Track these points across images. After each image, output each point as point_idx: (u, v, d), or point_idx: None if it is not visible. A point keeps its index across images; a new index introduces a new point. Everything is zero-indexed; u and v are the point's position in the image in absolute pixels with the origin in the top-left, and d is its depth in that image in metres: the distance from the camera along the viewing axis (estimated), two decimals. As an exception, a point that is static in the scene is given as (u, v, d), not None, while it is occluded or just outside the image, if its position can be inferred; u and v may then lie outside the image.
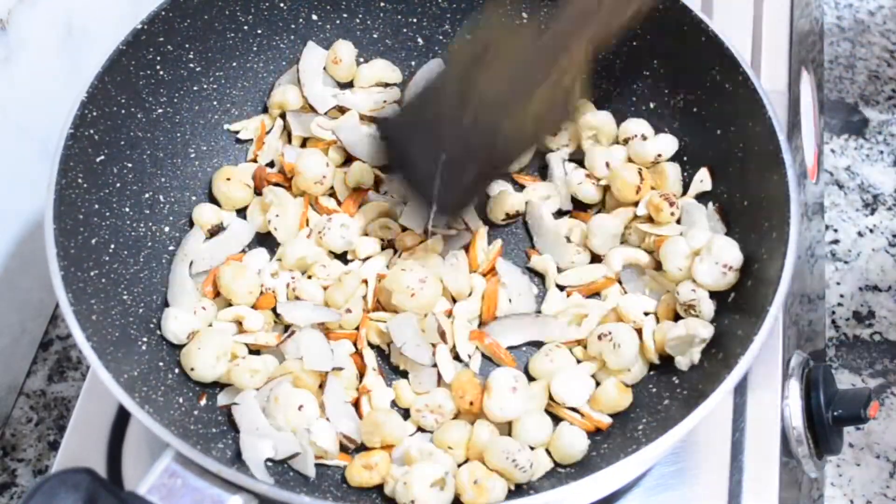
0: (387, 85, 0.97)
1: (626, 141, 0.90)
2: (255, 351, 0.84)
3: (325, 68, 0.97)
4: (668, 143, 0.89)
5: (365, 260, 0.88)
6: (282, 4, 0.94)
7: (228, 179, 0.91)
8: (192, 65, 0.91)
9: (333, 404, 0.79)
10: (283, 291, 0.86)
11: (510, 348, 0.84)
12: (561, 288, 0.87)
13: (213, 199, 0.92)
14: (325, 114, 0.94)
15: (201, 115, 0.93)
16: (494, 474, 0.75)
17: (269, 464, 0.78)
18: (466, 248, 0.88)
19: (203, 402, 0.81)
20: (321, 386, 0.80)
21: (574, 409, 0.80)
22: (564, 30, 0.80)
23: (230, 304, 0.85)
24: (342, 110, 0.95)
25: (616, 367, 0.80)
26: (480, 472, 0.75)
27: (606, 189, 0.90)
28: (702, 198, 0.87)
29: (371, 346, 0.85)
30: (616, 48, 0.91)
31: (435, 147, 0.80)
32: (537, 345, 0.84)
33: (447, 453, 0.78)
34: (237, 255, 0.89)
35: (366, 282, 0.86)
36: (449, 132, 0.80)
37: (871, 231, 1.14)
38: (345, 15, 0.97)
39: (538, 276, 0.89)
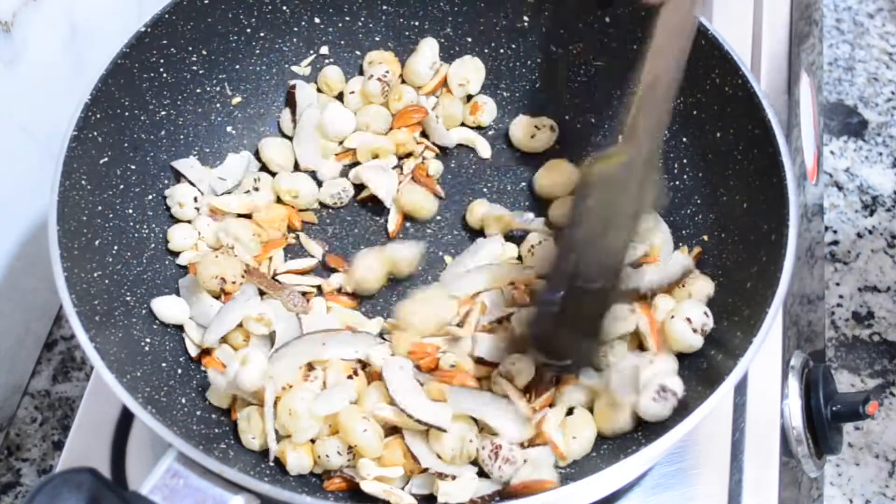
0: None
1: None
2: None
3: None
4: None
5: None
6: (284, 7, 0.94)
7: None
8: (195, 67, 0.91)
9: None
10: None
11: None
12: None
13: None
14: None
15: (204, 117, 0.94)
16: None
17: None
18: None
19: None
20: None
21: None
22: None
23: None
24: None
25: None
26: None
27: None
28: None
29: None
30: (616, 51, 0.92)
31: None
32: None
33: None
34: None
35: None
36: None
37: (870, 232, 1.14)
38: (347, 18, 0.97)
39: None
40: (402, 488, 0.76)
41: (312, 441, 0.78)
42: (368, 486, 0.75)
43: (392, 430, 0.78)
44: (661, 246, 0.88)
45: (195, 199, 0.89)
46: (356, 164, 0.95)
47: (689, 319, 0.79)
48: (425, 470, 0.75)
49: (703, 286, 0.82)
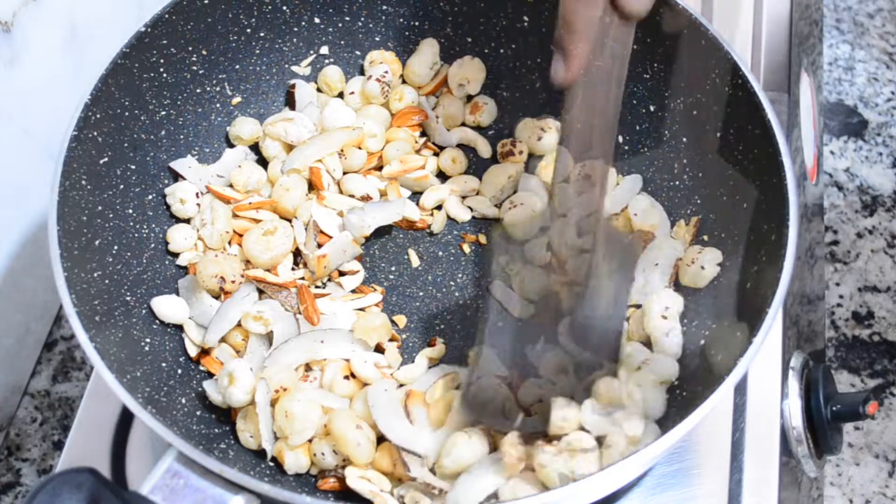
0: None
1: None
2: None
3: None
4: None
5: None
6: (284, 7, 0.94)
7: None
8: (195, 67, 0.91)
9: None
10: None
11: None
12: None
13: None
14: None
15: (204, 117, 0.94)
16: None
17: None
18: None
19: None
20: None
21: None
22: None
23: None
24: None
25: None
26: None
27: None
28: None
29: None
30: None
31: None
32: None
33: None
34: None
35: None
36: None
37: (870, 232, 1.14)
38: (347, 18, 0.97)
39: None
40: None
41: (310, 440, 0.78)
42: (354, 483, 0.75)
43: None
44: (658, 226, 0.88)
45: (196, 196, 0.89)
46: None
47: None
48: (415, 478, 0.75)
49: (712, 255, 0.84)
